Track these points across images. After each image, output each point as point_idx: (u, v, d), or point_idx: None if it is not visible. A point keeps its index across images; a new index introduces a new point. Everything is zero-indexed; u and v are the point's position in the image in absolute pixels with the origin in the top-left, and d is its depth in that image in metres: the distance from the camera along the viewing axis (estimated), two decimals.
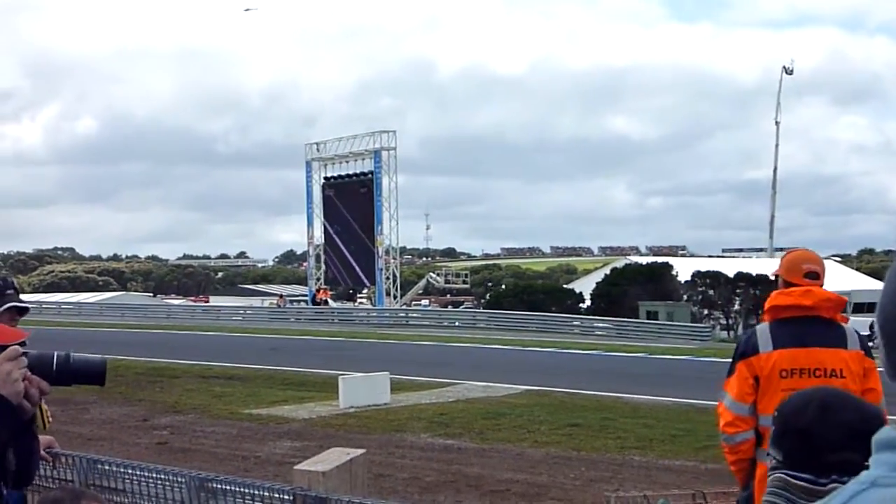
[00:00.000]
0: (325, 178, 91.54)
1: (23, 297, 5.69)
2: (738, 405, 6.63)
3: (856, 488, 1.20)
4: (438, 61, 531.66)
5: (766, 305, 6.81)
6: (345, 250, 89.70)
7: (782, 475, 3.06)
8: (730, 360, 6.89)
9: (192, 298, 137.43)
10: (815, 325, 6.52)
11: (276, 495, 6.24)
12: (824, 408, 3.02)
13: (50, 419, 6.36)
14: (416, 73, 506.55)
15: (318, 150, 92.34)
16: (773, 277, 7.09)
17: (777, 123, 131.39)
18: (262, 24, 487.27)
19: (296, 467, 6.33)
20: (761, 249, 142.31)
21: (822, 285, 6.71)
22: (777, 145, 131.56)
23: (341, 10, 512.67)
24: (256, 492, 6.43)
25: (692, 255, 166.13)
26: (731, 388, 6.67)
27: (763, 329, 6.73)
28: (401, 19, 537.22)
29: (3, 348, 3.37)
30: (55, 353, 3.49)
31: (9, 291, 5.35)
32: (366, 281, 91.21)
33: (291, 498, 6.02)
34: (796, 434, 3.03)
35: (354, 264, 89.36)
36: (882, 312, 1.33)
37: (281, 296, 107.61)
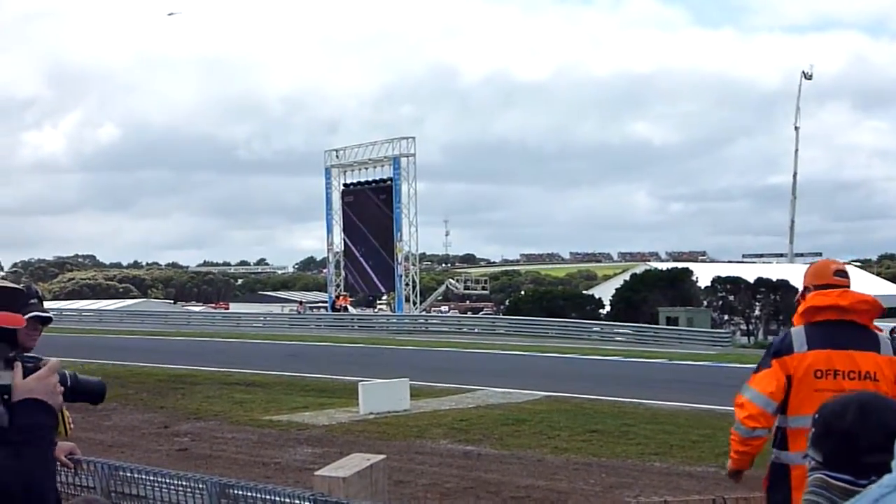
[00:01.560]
0: (345, 185, 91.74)
1: (44, 304, 5.70)
2: (765, 400, 6.64)
3: (880, 492, 1.21)
4: (461, 68, 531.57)
5: (802, 308, 6.81)
6: (364, 257, 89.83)
7: (822, 475, 3.13)
8: (753, 364, 6.90)
9: (212, 305, 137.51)
10: (848, 329, 6.54)
11: (297, 501, 6.24)
12: (864, 410, 3.09)
13: (71, 425, 6.38)
14: (439, 79, 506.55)
15: (337, 156, 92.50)
16: (799, 295, 7.07)
17: (797, 128, 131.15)
18: (284, 32, 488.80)
19: (316, 473, 6.36)
20: (781, 255, 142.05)
21: (849, 287, 6.74)
22: (797, 150, 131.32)
23: (364, 17, 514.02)
24: (277, 498, 6.45)
25: (712, 261, 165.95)
26: (759, 382, 6.67)
27: (798, 331, 6.74)
28: (424, 26, 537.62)
29: (2, 330, 3.45)
30: (66, 373, 3.63)
31: (32, 301, 5.36)
32: (385, 287, 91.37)
33: None
34: (837, 436, 3.10)
35: (373, 271, 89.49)
36: None
37: (301, 302, 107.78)
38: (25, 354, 5.34)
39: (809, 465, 3.23)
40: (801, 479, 6.44)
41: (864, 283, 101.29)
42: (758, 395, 6.66)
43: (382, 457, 6.52)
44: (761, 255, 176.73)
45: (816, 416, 3.28)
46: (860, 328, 6.51)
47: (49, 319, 5.48)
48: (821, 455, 3.16)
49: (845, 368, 6.43)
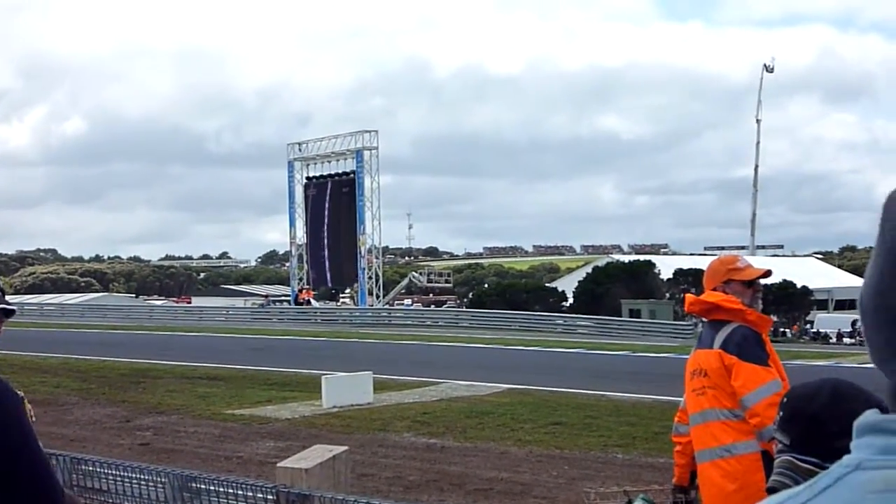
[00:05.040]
0: (308, 178, 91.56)
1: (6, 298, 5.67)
2: (682, 401, 6.94)
3: (840, 471, 1.22)
4: (434, 61, 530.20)
5: None
6: (327, 250, 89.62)
7: (790, 457, 3.18)
8: None
9: (175, 299, 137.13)
10: (707, 328, 6.74)
11: (259, 494, 6.24)
12: (836, 395, 3.14)
13: (33, 418, 6.36)
14: (412, 72, 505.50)
15: (300, 150, 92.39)
16: None
17: (758, 121, 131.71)
18: (257, 25, 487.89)
19: (279, 465, 6.34)
20: (743, 247, 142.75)
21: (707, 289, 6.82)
22: (758, 143, 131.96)
23: (337, 11, 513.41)
24: (240, 491, 6.44)
25: (674, 253, 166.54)
26: None
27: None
28: (397, 19, 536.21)
29: None
30: None
31: None
32: (348, 281, 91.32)
33: (274, 496, 6.02)
34: (807, 419, 3.15)
35: (336, 264, 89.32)
36: (860, 300, 1.34)
37: (266, 296, 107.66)
38: None
39: (777, 448, 3.28)
40: (701, 476, 6.67)
41: (826, 276, 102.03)
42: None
43: (345, 448, 6.52)
44: (723, 248, 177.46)
45: (785, 399, 3.34)
46: (715, 324, 6.61)
47: (13, 312, 5.47)
48: (788, 438, 3.22)
49: (695, 367, 6.65)
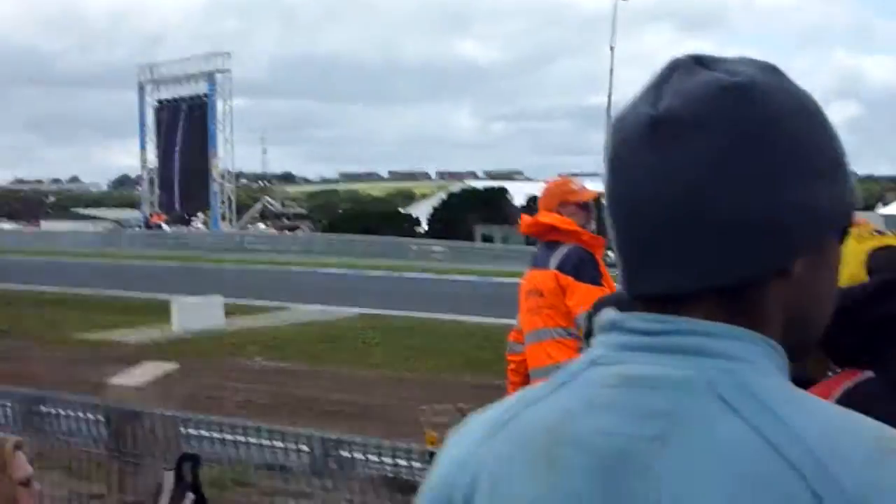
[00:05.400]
0: (158, 101, 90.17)
1: None
2: (517, 321, 7.04)
3: (578, 367, 1.31)
4: None
5: None
6: (178, 174, 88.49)
7: None
8: None
9: (24, 223, 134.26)
10: (542, 248, 6.83)
11: (90, 415, 6.21)
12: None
13: None
14: None
15: (151, 72, 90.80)
16: None
17: (612, 49, 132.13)
18: None
19: (109, 381, 6.32)
20: (596, 174, 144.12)
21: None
22: (612, 71, 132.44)
23: None
24: (71, 412, 6.41)
25: (528, 180, 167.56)
26: None
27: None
28: None
29: None
30: None
31: None
32: (200, 205, 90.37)
33: (105, 417, 6.00)
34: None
35: (188, 188, 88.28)
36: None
37: (117, 221, 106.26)
38: None
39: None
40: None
41: None
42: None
43: (176, 366, 6.54)
44: (576, 174, 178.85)
45: (593, 309, 3.45)
46: (550, 246, 6.71)
47: None
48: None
49: (530, 287, 6.75)
